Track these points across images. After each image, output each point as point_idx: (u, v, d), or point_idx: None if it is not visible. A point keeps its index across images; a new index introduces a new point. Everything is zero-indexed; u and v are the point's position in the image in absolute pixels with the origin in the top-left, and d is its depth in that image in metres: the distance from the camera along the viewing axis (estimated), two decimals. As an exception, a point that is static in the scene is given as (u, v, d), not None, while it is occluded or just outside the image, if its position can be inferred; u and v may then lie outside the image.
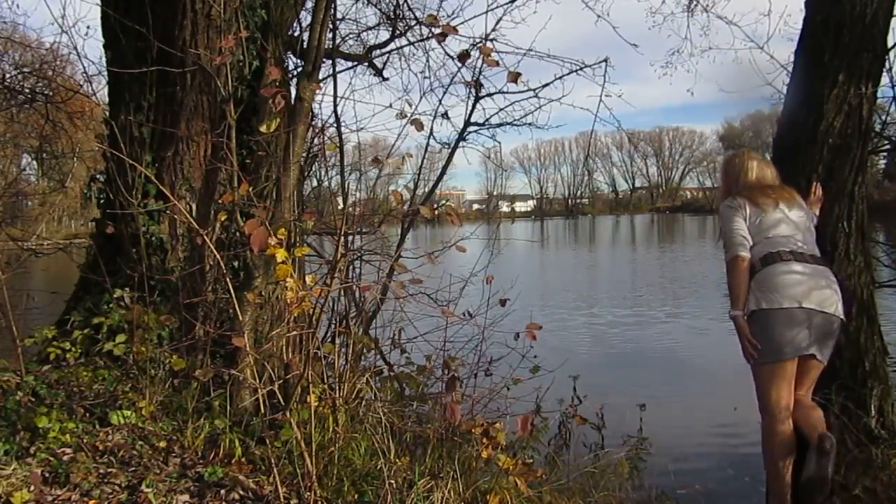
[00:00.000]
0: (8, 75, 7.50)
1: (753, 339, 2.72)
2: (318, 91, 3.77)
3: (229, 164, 2.95)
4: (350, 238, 3.56)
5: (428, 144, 4.63)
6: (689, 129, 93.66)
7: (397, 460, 2.53)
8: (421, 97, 8.64)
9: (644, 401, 4.62)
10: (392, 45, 6.57)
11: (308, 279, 2.42)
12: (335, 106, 4.58)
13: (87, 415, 2.85)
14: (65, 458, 2.45)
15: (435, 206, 3.15)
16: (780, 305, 2.69)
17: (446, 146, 4.84)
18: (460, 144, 4.70)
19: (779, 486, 2.72)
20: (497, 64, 2.99)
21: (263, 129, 2.55)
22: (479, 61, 4.01)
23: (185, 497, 2.31)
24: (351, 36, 6.80)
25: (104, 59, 4.08)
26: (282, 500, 2.26)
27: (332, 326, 3.41)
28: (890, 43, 3.26)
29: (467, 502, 2.38)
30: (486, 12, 4.61)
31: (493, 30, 4.78)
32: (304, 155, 4.22)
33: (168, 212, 3.77)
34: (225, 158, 3.03)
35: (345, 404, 2.77)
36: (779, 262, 2.76)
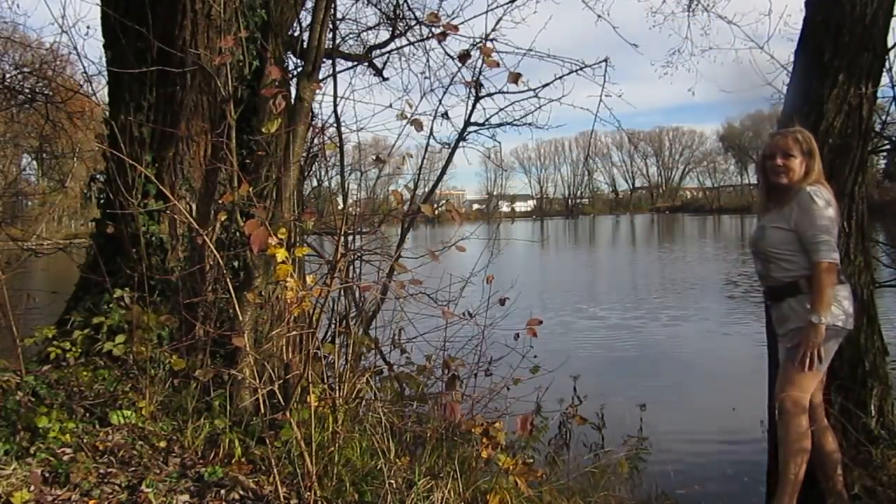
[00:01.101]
0: (8, 75, 7.51)
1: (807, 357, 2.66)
2: (318, 91, 3.77)
3: (229, 164, 2.96)
4: (350, 238, 3.56)
5: (428, 144, 4.63)
6: (689, 129, 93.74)
7: (397, 460, 2.53)
8: (421, 97, 8.67)
9: (644, 401, 4.62)
10: (392, 45, 6.58)
11: (308, 279, 2.42)
12: (335, 106, 4.58)
13: (87, 415, 2.85)
14: (65, 458, 2.45)
15: (435, 205, 3.15)
16: (851, 327, 2.77)
17: (446, 146, 4.85)
18: (460, 144, 4.71)
19: (793, 485, 2.71)
20: (497, 65, 2.99)
21: (264, 129, 2.55)
22: (479, 61, 4.01)
23: (185, 497, 2.31)
24: (351, 36, 6.82)
25: (104, 59, 4.08)
26: (282, 500, 2.26)
27: (332, 326, 3.41)
28: (890, 43, 3.26)
29: (467, 502, 2.38)
30: (486, 12, 4.62)
31: (493, 30, 4.78)
32: (304, 155, 4.22)
33: (168, 212, 3.77)
34: (225, 158, 3.03)
35: (345, 404, 2.77)
36: (847, 283, 2.81)
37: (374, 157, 2.91)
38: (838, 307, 2.70)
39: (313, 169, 4.93)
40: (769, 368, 3.33)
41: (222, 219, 3.36)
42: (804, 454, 2.70)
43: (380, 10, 6.65)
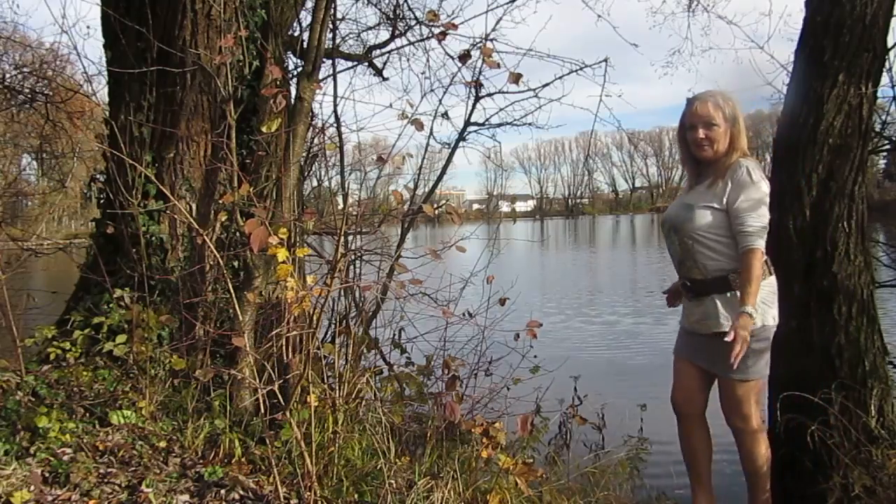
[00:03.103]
0: (8, 75, 7.51)
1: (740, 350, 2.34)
2: (318, 91, 3.77)
3: (229, 164, 2.96)
4: (350, 238, 3.56)
5: (428, 144, 4.62)
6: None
7: (397, 460, 2.53)
8: (421, 97, 8.68)
9: (644, 401, 4.62)
10: (392, 45, 6.58)
11: (308, 279, 2.42)
12: (335, 106, 4.59)
13: (87, 415, 2.85)
14: (65, 458, 2.45)
15: (435, 205, 3.15)
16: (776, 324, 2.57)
17: (446, 146, 4.84)
18: (460, 144, 4.70)
19: (767, 496, 2.68)
20: (497, 65, 3.00)
21: (264, 129, 2.56)
22: (479, 61, 4.01)
23: (185, 497, 2.31)
24: (351, 36, 6.81)
25: (104, 59, 4.07)
26: (282, 500, 2.26)
27: (332, 326, 3.41)
28: (890, 43, 3.25)
29: (467, 502, 2.38)
30: (486, 12, 4.61)
31: (493, 30, 4.78)
32: (304, 155, 4.22)
33: (168, 212, 3.77)
34: (225, 158, 3.03)
35: (345, 404, 2.77)
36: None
37: (376, 157, 2.90)
38: (765, 304, 2.49)
39: (313, 169, 4.94)
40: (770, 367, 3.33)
41: (222, 219, 3.36)
42: (766, 468, 2.65)
43: (380, 10, 6.65)
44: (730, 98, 2.59)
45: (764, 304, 2.48)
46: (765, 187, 2.47)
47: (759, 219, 2.42)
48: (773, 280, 2.57)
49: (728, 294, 2.49)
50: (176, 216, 3.76)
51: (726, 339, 2.31)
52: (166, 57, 3.65)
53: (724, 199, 2.48)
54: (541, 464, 3.35)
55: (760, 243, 2.40)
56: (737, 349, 2.30)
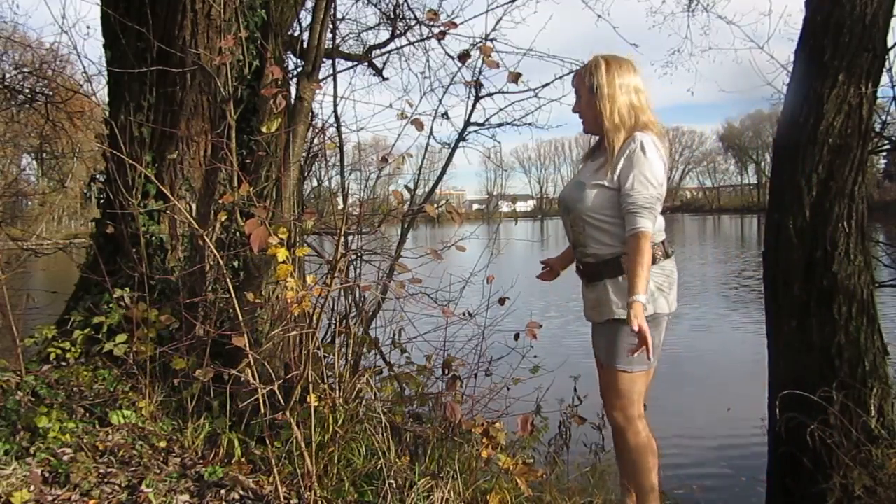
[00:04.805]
0: (8, 75, 7.52)
1: (649, 343, 2.10)
2: (318, 91, 3.77)
3: (229, 164, 2.96)
4: (350, 238, 3.56)
5: (428, 144, 4.61)
6: (689, 129, 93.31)
7: (397, 460, 2.53)
8: (421, 97, 8.69)
9: (644, 401, 4.62)
10: (392, 45, 6.58)
11: (308, 279, 2.42)
12: (335, 106, 4.58)
13: (87, 415, 2.85)
14: (65, 458, 2.45)
15: (436, 205, 3.15)
16: (673, 310, 2.37)
17: (446, 146, 4.84)
18: (460, 144, 4.70)
19: (654, 495, 2.44)
20: (497, 65, 2.99)
21: (264, 129, 2.56)
22: (479, 61, 4.00)
23: (185, 497, 2.31)
24: (351, 36, 6.82)
25: (104, 59, 4.07)
26: (282, 500, 2.26)
27: (332, 326, 3.41)
28: (890, 43, 3.26)
29: (467, 502, 2.38)
30: (486, 12, 4.61)
31: (493, 30, 4.78)
32: (304, 155, 4.22)
33: (168, 212, 3.77)
34: (225, 158, 3.03)
35: (345, 404, 2.76)
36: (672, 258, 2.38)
37: (380, 158, 2.90)
38: (659, 291, 2.28)
39: (313, 169, 4.94)
40: (769, 366, 3.34)
41: (222, 219, 3.36)
42: (652, 462, 2.40)
43: (380, 10, 6.66)
44: (600, 65, 2.26)
45: (658, 290, 2.27)
46: (658, 164, 2.20)
47: (648, 199, 2.16)
48: (668, 264, 2.33)
49: (620, 278, 2.24)
50: (176, 216, 3.76)
51: (603, 355, 2.12)
52: (166, 57, 3.65)
53: (616, 176, 2.22)
54: (541, 464, 3.35)
55: (649, 225, 2.16)
56: (639, 341, 2.08)
